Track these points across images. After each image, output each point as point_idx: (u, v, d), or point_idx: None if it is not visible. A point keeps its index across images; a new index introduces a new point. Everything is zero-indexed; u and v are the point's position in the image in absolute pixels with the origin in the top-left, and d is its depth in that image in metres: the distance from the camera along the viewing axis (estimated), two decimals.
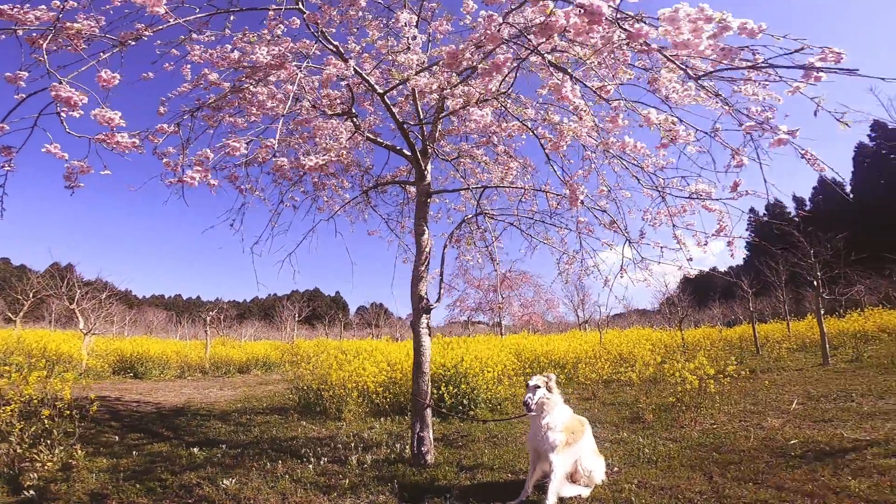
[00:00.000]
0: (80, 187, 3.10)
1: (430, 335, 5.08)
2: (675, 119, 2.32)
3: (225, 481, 4.21)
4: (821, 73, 1.90)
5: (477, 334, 20.36)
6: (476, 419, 7.03)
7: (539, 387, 3.87)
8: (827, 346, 11.50)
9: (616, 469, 4.44)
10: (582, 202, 4.01)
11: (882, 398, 6.81)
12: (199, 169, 2.53)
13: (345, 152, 4.35)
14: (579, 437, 3.96)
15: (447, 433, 6.34)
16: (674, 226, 4.25)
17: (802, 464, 4.13)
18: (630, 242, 4.77)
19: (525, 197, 5.98)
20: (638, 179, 4.54)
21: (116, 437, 6.15)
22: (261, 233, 6.44)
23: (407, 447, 5.17)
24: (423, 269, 5.15)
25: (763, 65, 1.91)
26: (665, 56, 1.87)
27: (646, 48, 1.82)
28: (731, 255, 3.81)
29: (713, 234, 3.95)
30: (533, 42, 2.15)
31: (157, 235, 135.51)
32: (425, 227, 5.31)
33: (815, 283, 11.65)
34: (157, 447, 5.69)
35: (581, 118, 3.01)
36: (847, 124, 2.06)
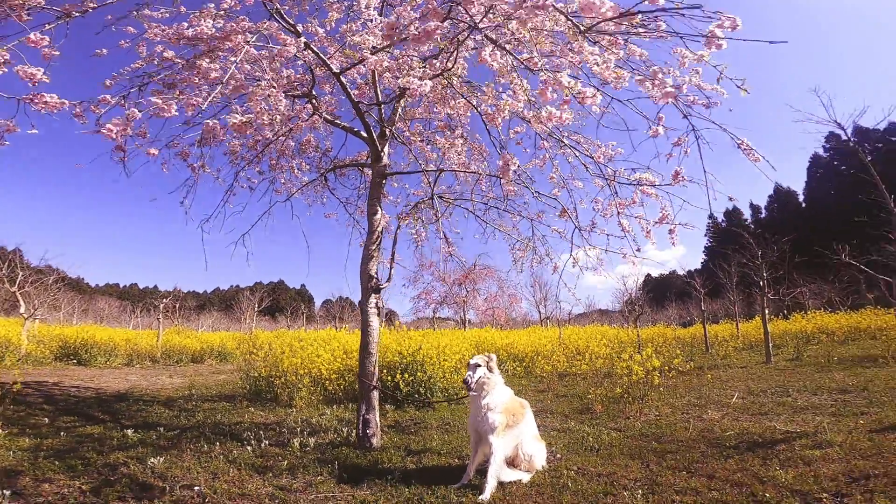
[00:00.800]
0: (6, 145, 3.21)
1: (378, 315, 5.02)
2: (592, 88, 2.34)
3: (153, 460, 4.04)
4: (721, 41, 1.95)
5: (443, 329, 20.33)
6: (431, 406, 6.99)
7: (480, 365, 3.84)
8: (770, 345, 12.00)
9: (559, 456, 4.48)
10: (514, 178, 4.01)
11: (815, 394, 7.15)
12: (118, 122, 2.42)
13: (279, 118, 4.22)
14: (520, 420, 3.93)
15: (401, 420, 6.29)
16: (618, 213, 4.32)
17: (735, 454, 4.26)
18: (580, 230, 4.83)
19: (480, 182, 5.97)
20: (586, 167, 4.61)
21: (46, 420, 5.83)
22: (213, 211, 6.20)
23: (355, 431, 5.09)
24: (373, 248, 5.08)
25: (652, 9, 1.94)
26: (556, 8, 1.87)
27: (541, 5, 1.82)
28: (672, 244, 3.91)
29: (655, 223, 4.04)
30: (469, 17, 2.12)
31: (114, 224, 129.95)
32: (378, 207, 5.23)
33: (760, 283, 12.15)
34: (89, 429, 5.42)
35: (515, 93, 3.03)
36: (746, 91, 2.12)
